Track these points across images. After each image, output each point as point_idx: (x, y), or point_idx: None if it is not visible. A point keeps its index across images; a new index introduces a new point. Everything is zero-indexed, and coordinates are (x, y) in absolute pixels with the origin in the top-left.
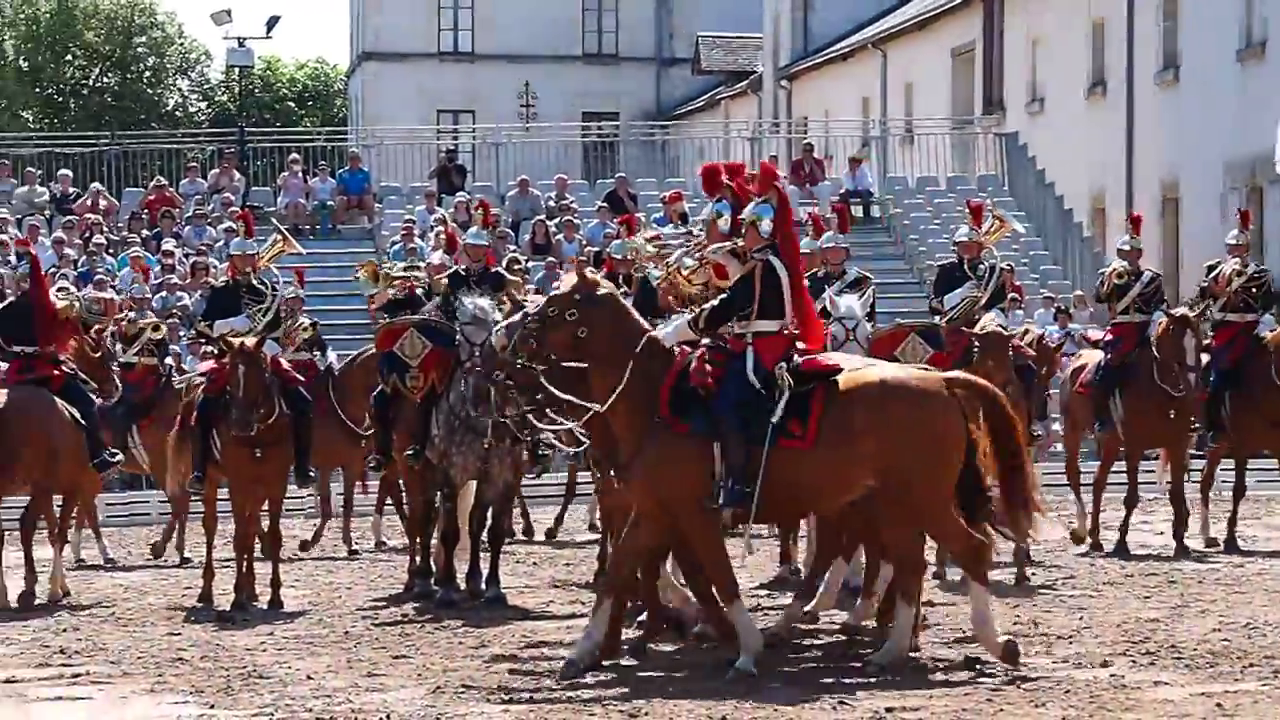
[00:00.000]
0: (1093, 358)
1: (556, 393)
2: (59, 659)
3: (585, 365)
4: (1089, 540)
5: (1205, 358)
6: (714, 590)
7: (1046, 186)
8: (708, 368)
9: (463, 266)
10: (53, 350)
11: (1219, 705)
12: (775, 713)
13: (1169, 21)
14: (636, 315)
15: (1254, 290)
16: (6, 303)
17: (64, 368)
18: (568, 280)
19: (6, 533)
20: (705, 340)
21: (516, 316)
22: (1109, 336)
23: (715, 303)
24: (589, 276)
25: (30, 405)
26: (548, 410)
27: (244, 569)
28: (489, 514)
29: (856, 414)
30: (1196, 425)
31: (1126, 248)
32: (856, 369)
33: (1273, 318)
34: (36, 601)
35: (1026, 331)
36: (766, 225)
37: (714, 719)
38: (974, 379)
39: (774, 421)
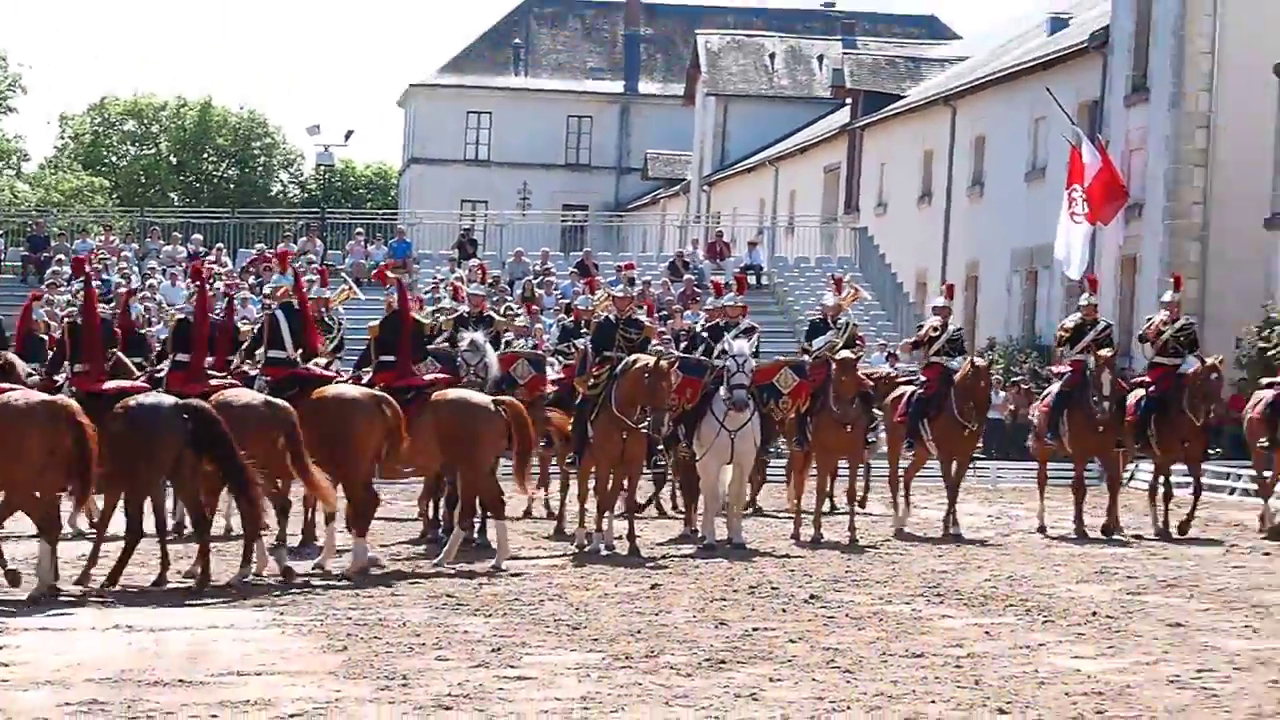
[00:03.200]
0: (907, 389)
1: None
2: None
3: None
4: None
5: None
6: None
7: (886, 266)
8: None
9: (465, 310)
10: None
11: (987, 632)
12: (675, 630)
13: (977, 151)
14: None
15: (1181, 339)
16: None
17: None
18: None
19: None
20: None
21: None
22: (1067, 369)
23: None
24: None
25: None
26: None
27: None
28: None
29: None
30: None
31: (1084, 303)
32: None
33: (1194, 358)
34: None
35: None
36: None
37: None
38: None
39: None
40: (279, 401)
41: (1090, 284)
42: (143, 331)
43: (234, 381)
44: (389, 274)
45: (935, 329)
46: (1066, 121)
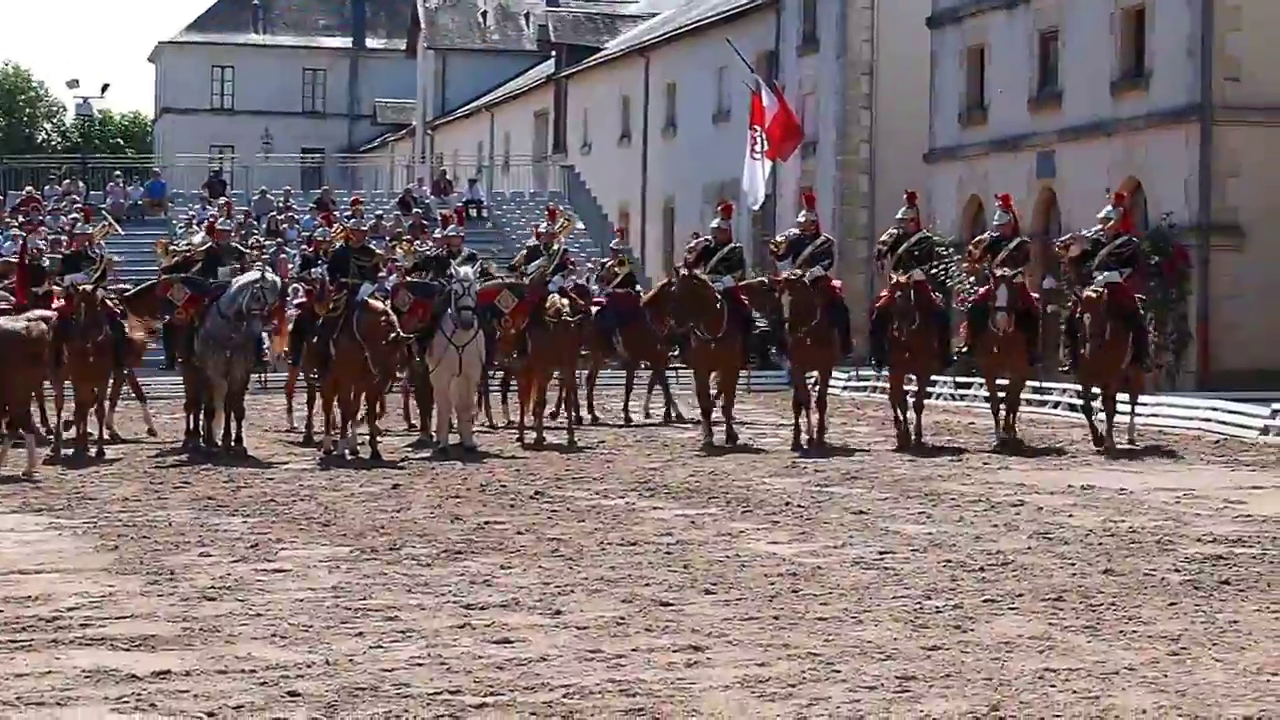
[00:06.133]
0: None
1: None
2: None
3: None
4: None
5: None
6: None
7: (593, 199)
8: None
9: (217, 243)
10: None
11: (693, 522)
12: (415, 525)
13: (669, 97)
14: None
15: (916, 252)
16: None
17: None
18: None
19: None
20: None
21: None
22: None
23: None
24: None
25: None
26: None
27: (82, 430)
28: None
29: None
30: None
31: (803, 219)
32: None
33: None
34: None
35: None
36: None
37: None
38: None
39: None
40: None
41: (808, 201)
42: None
43: None
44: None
45: (778, 245)
46: (747, 70)
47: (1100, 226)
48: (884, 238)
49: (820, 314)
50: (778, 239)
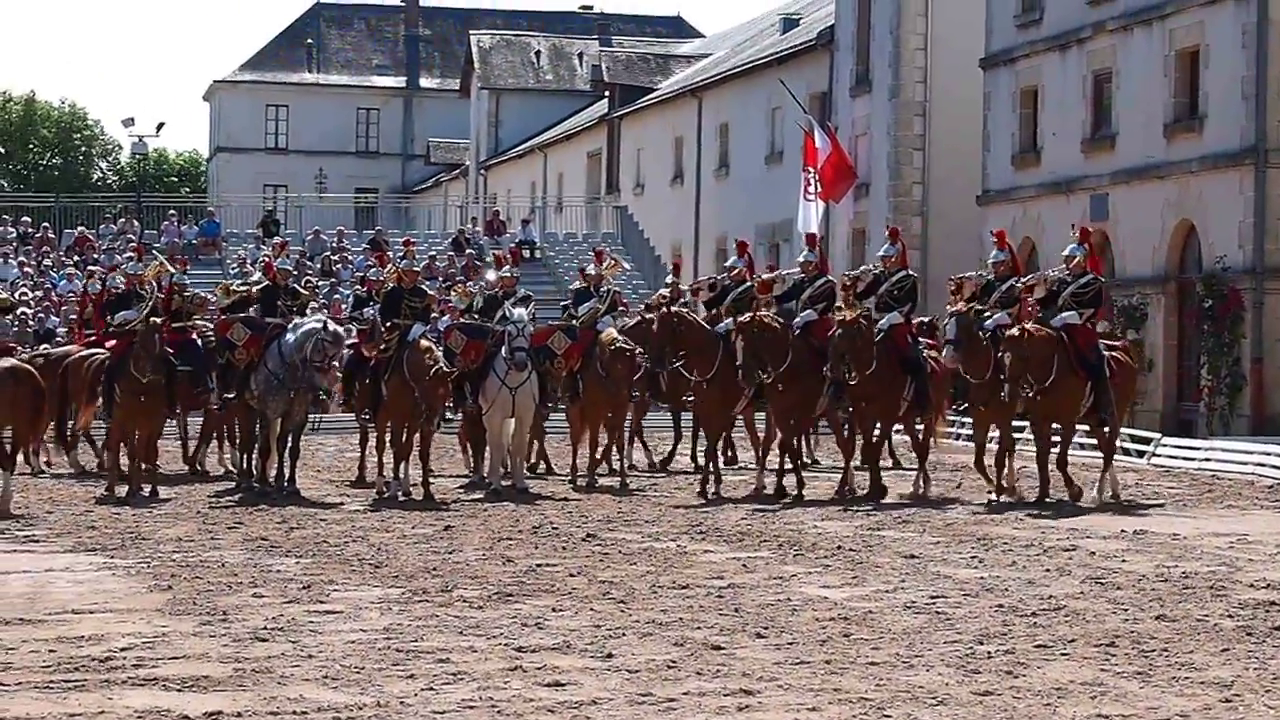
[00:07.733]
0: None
1: None
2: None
3: None
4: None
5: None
6: None
7: (645, 240)
8: None
9: (274, 282)
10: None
11: (744, 565)
12: (467, 567)
13: (722, 138)
14: None
15: (896, 292)
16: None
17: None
18: None
19: None
20: None
21: None
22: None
23: None
24: None
25: None
26: None
27: (135, 469)
28: (290, 438)
29: None
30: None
31: (803, 259)
32: None
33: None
34: None
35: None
36: None
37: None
38: None
39: None
40: None
41: (809, 241)
42: None
43: None
44: None
45: (696, 289)
46: (800, 111)
47: (1065, 266)
48: (854, 273)
49: (799, 358)
50: (764, 276)
